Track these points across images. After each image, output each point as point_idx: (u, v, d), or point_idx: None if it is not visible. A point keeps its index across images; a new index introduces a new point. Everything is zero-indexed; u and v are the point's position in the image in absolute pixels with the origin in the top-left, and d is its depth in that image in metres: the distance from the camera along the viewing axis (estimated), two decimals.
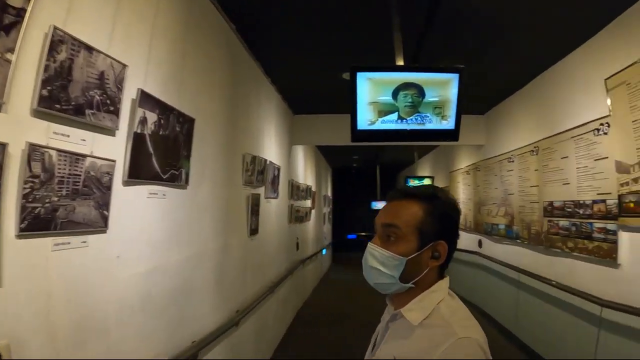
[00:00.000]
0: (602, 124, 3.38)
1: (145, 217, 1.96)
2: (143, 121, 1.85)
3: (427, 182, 8.67)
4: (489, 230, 6.03)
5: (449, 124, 2.80)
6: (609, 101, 3.23)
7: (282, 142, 5.29)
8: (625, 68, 3.01)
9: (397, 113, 2.71)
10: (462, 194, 7.42)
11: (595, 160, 3.50)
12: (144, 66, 1.91)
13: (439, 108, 2.75)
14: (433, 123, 2.77)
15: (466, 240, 7.06)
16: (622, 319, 3.04)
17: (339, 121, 6.05)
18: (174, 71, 2.23)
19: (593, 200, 3.54)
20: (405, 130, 2.76)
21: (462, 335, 0.93)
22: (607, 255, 3.30)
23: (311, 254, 8.12)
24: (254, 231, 3.78)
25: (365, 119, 2.72)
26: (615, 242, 3.22)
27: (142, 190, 1.92)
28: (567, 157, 3.96)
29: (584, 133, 3.63)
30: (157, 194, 2.04)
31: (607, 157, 3.34)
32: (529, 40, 3.63)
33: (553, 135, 4.19)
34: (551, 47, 3.80)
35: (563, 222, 4.01)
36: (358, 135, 2.76)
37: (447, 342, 0.92)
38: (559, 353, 4.00)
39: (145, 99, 1.87)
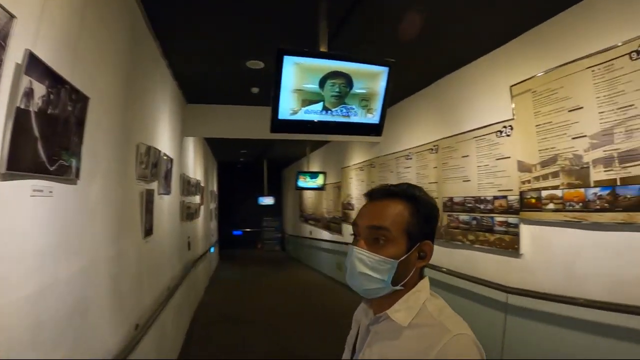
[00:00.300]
0: (505, 127, 3.65)
1: (28, 222, 1.50)
2: (29, 94, 1.37)
3: (320, 178, 8.70)
4: None
5: (374, 117, 2.71)
6: (513, 106, 3.50)
7: (174, 133, 4.79)
8: (532, 77, 3.30)
9: (322, 103, 2.51)
10: (355, 189, 7.61)
11: (497, 159, 3.78)
12: (35, 23, 1.43)
13: (365, 101, 2.64)
14: (358, 116, 2.65)
15: None
16: (526, 303, 3.35)
17: (235, 113, 5.75)
18: (69, 37, 1.74)
19: (494, 196, 3.82)
20: (330, 122, 2.58)
21: (456, 332, 0.92)
22: (510, 246, 3.60)
23: (202, 253, 7.65)
24: (148, 232, 3.31)
25: (288, 107, 2.47)
26: (517, 235, 3.52)
27: (24, 187, 1.44)
28: (468, 155, 4.22)
29: (487, 134, 3.89)
30: (42, 190, 1.53)
31: (509, 157, 3.62)
32: (438, 42, 3.75)
33: (454, 135, 4.44)
34: (459, 51, 4.01)
35: (463, 217, 4.28)
36: (278, 125, 2.50)
37: (442, 340, 0.91)
38: None
39: (34, 65, 1.38)
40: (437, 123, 4.84)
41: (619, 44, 2.58)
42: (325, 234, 9.70)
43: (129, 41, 2.73)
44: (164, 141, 4.06)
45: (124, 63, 2.64)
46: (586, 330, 2.84)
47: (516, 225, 3.53)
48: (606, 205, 2.69)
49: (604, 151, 2.69)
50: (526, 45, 3.44)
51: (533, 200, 3.33)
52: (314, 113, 2.53)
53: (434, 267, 4.67)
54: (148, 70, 3.40)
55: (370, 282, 1.02)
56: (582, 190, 2.86)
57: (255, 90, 5.06)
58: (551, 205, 3.14)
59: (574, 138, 2.92)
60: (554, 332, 3.09)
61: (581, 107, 2.85)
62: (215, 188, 12.11)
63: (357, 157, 7.57)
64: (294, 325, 5.98)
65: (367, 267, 1.01)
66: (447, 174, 4.59)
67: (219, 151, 10.85)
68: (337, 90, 2.53)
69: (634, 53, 2.48)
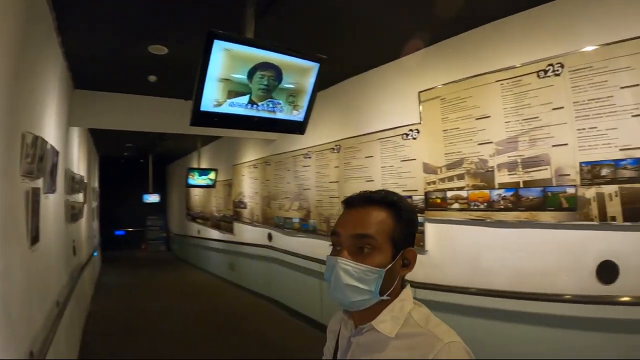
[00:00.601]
0: (412, 130, 3.85)
1: None
2: None
3: (211, 174, 8.31)
4: (281, 223, 6.20)
5: (299, 115, 2.64)
6: (421, 110, 3.70)
7: (61, 122, 4.10)
8: (442, 85, 3.54)
9: (249, 96, 2.37)
10: (249, 187, 7.43)
11: (402, 161, 3.97)
12: None
13: (293, 97, 2.56)
14: (284, 112, 2.56)
15: (253, 233, 7.11)
16: (433, 296, 3.54)
17: (129, 102, 5.16)
18: None
19: None
20: (254, 117, 2.44)
21: (447, 340, 0.91)
22: (416, 243, 3.78)
23: (87, 257, 6.78)
24: (34, 239, 2.74)
25: (212, 98, 2.27)
26: (422, 232, 3.73)
27: None
28: (372, 156, 4.37)
29: (393, 136, 4.07)
30: None
31: (415, 159, 3.82)
32: (348, 44, 3.77)
33: (359, 136, 4.56)
34: (368, 54, 4.09)
35: None
36: (200, 117, 2.28)
37: (433, 349, 0.90)
38: None
39: None
40: (341, 123, 4.93)
41: (528, 63, 2.91)
42: (215, 233, 9.32)
43: (23, 10, 2.26)
44: (50, 131, 3.45)
45: (14, 34, 2.16)
46: (489, 317, 3.15)
47: (422, 224, 3.74)
48: (510, 205, 2.99)
49: (509, 157, 2.99)
50: (437, 55, 3.66)
51: (438, 200, 3.57)
52: (239, 106, 2.37)
53: None
54: (41, 47, 2.85)
55: (358, 294, 0.98)
56: (487, 191, 3.14)
57: (152, 78, 4.58)
58: (456, 205, 3.39)
59: (480, 144, 3.20)
60: (460, 320, 3.34)
61: (488, 116, 3.14)
62: (97, 185, 10.83)
63: (250, 154, 7.39)
64: (193, 331, 5.62)
65: (353, 278, 0.97)
66: (350, 174, 4.70)
67: (102, 144, 9.58)
68: (266, 83, 2.40)
69: (541, 72, 2.84)
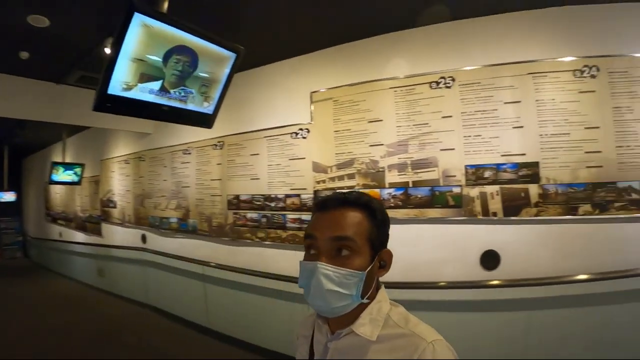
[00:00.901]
0: (302, 129, 3.77)
1: None
2: None
3: (77, 170, 7.23)
4: (157, 224, 5.70)
5: (209, 107, 2.38)
6: (312, 109, 3.63)
7: None
8: (336, 87, 3.52)
9: (161, 81, 2.06)
10: (119, 185, 6.64)
11: (291, 159, 3.88)
12: None
13: (205, 86, 2.28)
14: (195, 103, 2.29)
15: (125, 235, 6.45)
16: None
17: None
18: None
19: (286, 194, 3.92)
20: (165, 105, 2.13)
21: (430, 339, 0.90)
22: (303, 241, 3.75)
23: None
24: None
25: (121, 80, 1.92)
26: None
27: None
28: (258, 154, 4.20)
29: (281, 134, 3.95)
30: None
31: (304, 158, 3.76)
32: (242, 36, 3.49)
33: (244, 133, 4.34)
34: (262, 50, 3.85)
35: (252, 214, 4.25)
36: (105, 101, 1.92)
37: (417, 349, 0.89)
38: (262, 336, 4.22)
39: None
40: (224, 119, 4.61)
41: (422, 74, 3.09)
42: (80, 236, 8.13)
43: None
44: None
45: None
46: None
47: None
48: (400, 203, 3.09)
49: (399, 158, 3.10)
50: (333, 57, 3.62)
51: None
52: (150, 92, 2.05)
53: (222, 267, 4.52)
54: None
55: (339, 299, 0.93)
56: (378, 190, 3.21)
57: (25, 55, 3.69)
58: None
59: (371, 145, 3.25)
60: None
61: (381, 120, 3.20)
62: None
63: (122, 149, 6.59)
64: (63, 347, 4.88)
65: (334, 283, 0.92)
66: (234, 172, 4.46)
67: None
68: (180, 68, 2.10)
69: (434, 83, 3.04)
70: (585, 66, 2.74)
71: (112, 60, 1.83)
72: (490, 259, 2.87)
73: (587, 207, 2.66)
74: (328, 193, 3.52)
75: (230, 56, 2.28)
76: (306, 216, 3.72)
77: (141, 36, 1.87)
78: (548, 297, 2.73)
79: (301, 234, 3.75)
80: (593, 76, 2.72)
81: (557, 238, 2.75)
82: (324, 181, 3.58)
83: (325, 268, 0.93)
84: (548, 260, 2.75)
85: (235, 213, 4.41)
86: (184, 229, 5.16)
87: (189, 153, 5.09)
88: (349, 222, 0.95)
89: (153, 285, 6.00)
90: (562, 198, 2.70)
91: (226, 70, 2.33)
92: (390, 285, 3.09)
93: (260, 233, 4.16)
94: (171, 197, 5.40)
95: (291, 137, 3.87)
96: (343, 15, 2.99)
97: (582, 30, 2.81)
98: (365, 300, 0.96)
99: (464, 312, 2.95)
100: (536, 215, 2.74)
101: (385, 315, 0.98)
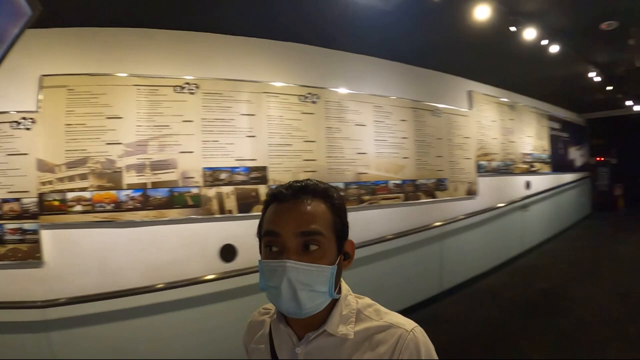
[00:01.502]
0: (24, 118, 3.21)
1: None
2: None
3: None
4: None
5: None
6: (40, 97, 3.13)
7: None
8: (73, 75, 3.09)
9: None
10: None
11: (9, 155, 3.26)
12: None
13: None
14: None
15: None
16: (66, 311, 2.99)
17: None
18: None
19: (3, 199, 3.28)
20: None
21: (409, 327, 0.87)
22: (29, 256, 3.14)
23: None
24: None
25: None
26: (37, 242, 3.13)
27: None
28: None
29: None
30: None
31: (27, 154, 3.21)
32: None
33: None
34: None
35: None
36: None
37: (400, 340, 0.85)
38: None
39: None
40: None
41: (168, 77, 3.11)
42: None
43: None
44: None
45: None
46: (127, 317, 3.02)
47: (35, 232, 3.12)
48: (139, 204, 2.98)
49: (138, 159, 2.98)
50: (73, 40, 3.14)
51: (56, 203, 3.11)
52: None
53: None
54: None
55: (314, 299, 0.84)
56: (115, 192, 3.01)
57: None
58: (79, 207, 3.06)
59: (108, 143, 3.02)
60: (101, 331, 3.00)
61: (121, 117, 3.01)
62: None
63: None
64: None
65: (307, 281, 0.82)
66: None
67: None
68: None
69: (178, 87, 3.09)
70: (309, 94, 3.38)
71: None
72: (228, 252, 3.15)
73: None
74: (57, 197, 3.10)
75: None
76: (30, 225, 3.15)
77: None
78: None
79: (24, 247, 3.14)
80: (314, 102, 3.36)
81: None
82: (50, 182, 3.12)
83: (295, 266, 0.81)
84: None
85: None
86: None
87: None
88: (315, 215, 0.85)
89: None
90: None
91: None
92: (128, 293, 2.94)
93: None
94: None
95: (11, 127, 3.26)
96: None
97: (309, 65, 3.51)
98: (337, 296, 0.89)
99: (214, 304, 3.11)
100: None
101: (356, 310, 0.91)
